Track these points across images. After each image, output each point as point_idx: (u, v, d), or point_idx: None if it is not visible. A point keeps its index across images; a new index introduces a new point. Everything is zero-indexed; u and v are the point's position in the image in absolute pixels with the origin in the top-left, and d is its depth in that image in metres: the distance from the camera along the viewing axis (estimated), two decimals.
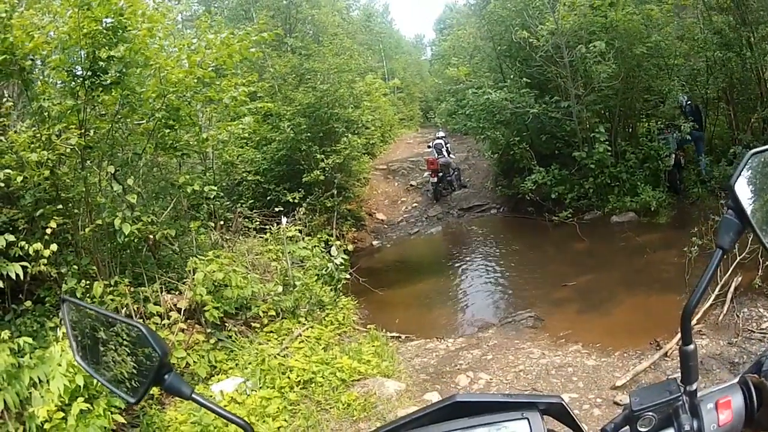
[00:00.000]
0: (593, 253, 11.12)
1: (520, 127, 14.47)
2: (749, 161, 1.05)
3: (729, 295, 7.13)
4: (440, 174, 17.65)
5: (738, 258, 7.20)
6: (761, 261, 7.35)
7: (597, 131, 12.66)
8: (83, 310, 1.38)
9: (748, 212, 1.01)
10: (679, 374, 1.04)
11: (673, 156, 12.50)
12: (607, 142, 12.59)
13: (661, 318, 7.17)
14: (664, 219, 11.85)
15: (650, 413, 1.00)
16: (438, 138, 18.31)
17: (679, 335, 6.16)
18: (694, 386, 1.02)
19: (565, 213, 13.01)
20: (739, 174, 1.03)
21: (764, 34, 11.73)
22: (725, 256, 1.03)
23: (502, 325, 8.30)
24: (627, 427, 1.03)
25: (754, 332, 6.40)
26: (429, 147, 18.53)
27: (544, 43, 13.03)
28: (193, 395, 1.09)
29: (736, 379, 1.06)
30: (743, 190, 1.03)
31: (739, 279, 7.37)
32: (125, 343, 1.22)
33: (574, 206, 13.15)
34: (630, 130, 14.31)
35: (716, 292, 7.17)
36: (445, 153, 17.81)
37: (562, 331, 7.55)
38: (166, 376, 1.10)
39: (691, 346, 1.03)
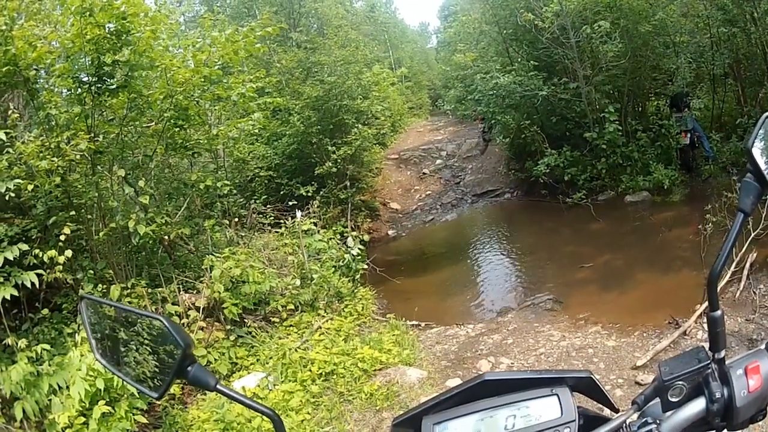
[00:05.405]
0: (609, 234, 11.07)
1: (529, 110, 14.37)
2: (765, 123, 1.04)
3: (745, 272, 7.04)
4: (488, 125, 19.24)
5: (753, 234, 7.13)
6: None
7: (607, 111, 12.58)
8: (102, 307, 1.37)
9: (767, 174, 1.00)
10: (707, 343, 1.03)
11: (689, 135, 12.39)
12: (617, 122, 12.51)
13: (679, 296, 7.15)
14: (678, 197, 11.78)
15: (680, 382, 0.99)
16: None
17: (697, 313, 6.14)
18: (723, 353, 1.02)
19: (578, 194, 12.94)
20: (756, 137, 1.02)
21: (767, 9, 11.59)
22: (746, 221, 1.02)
23: (521, 309, 8.27)
24: (658, 398, 1.02)
25: None
26: None
27: (549, 24, 12.93)
28: (218, 386, 1.07)
29: (763, 345, 1.05)
30: (761, 152, 1.02)
31: (755, 255, 7.29)
32: (146, 341, 1.20)
33: (588, 187, 13.07)
34: (640, 109, 14.23)
35: (732, 269, 7.10)
36: None
37: (581, 313, 7.53)
38: (190, 368, 1.08)
39: (718, 312, 1.02)
